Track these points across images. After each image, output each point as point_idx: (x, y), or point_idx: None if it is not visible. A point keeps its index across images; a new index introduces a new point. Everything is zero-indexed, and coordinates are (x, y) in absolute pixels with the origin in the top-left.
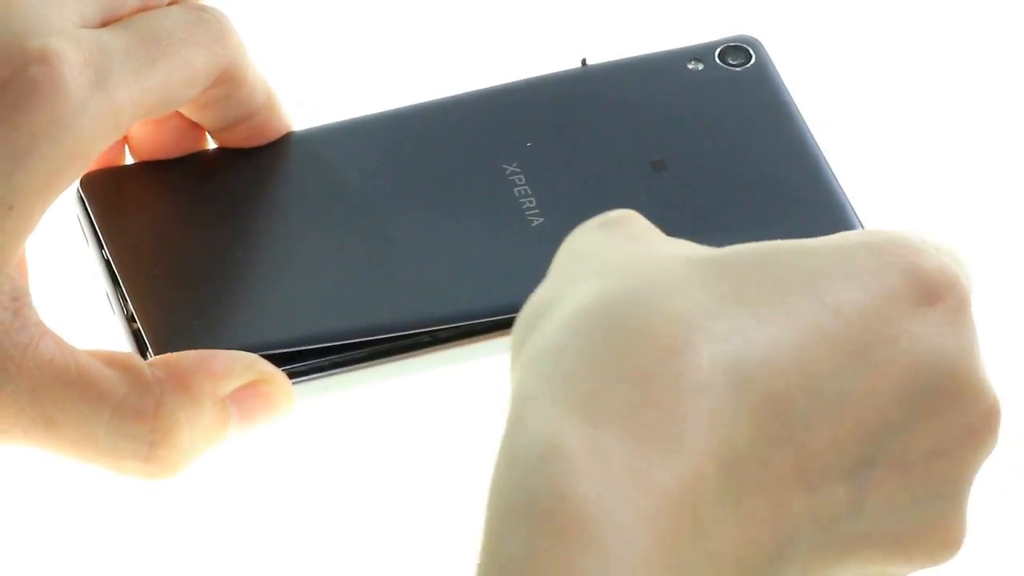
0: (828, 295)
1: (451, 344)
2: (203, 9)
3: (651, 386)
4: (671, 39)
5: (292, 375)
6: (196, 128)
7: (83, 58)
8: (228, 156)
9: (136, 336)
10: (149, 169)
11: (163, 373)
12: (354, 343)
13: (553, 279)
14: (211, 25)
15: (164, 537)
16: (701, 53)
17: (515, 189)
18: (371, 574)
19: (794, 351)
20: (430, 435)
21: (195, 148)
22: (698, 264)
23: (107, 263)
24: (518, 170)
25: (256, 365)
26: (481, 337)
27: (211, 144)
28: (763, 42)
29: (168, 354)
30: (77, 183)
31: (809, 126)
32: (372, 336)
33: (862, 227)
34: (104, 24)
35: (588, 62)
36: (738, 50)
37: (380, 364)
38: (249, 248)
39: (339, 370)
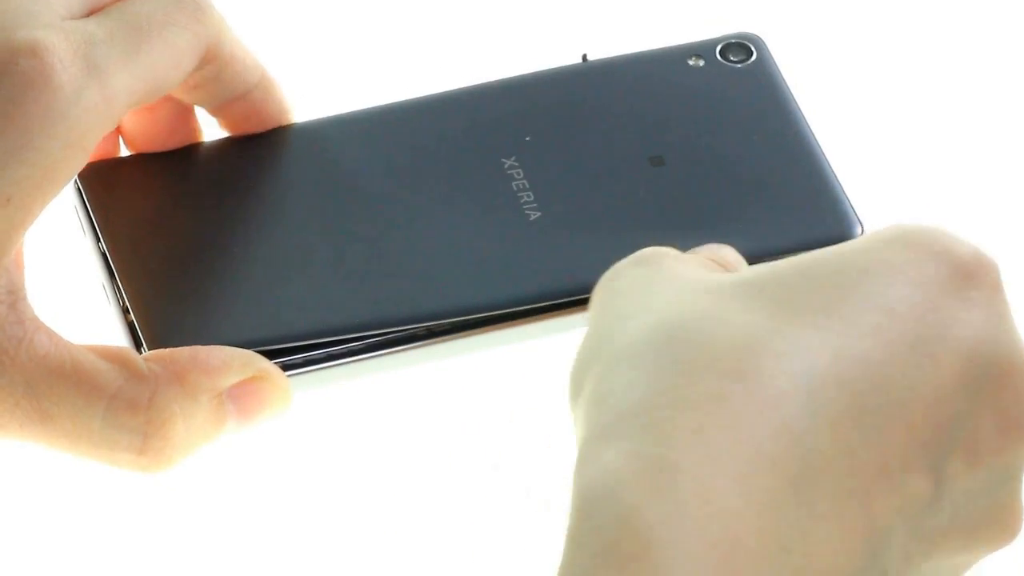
0: (877, 296)
1: (448, 337)
2: None
3: (720, 409)
4: (672, 35)
5: (287, 368)
6: (188, 115)
7: (72, 50)
8: (223, 149)
9: (131, 328)
10: (146, 161)
11: (158, 367)
12: (350, 338)
13: (599, 319)
14: (188, 4)
15: (161, 531)
16: (702, 49)
17: (513, 183)
18: (369, 567)
19: (857, 356)
20: (426, 429)
21: (188, 135)
22: (742, 287)
23: (103, 255)
24: (516, 164)
25: (254, 362)
26: (478, 331)
27: (204, 132)
28: (764, 39)
29: (164, 349)
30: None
31: (809, 123)
32: (368, 330)
33: (861, 224)
34: (88, 15)
35: (589, 57)
36: (739, 47)
37: (376, 357)
38: (244, 241)
39: (335, 363)
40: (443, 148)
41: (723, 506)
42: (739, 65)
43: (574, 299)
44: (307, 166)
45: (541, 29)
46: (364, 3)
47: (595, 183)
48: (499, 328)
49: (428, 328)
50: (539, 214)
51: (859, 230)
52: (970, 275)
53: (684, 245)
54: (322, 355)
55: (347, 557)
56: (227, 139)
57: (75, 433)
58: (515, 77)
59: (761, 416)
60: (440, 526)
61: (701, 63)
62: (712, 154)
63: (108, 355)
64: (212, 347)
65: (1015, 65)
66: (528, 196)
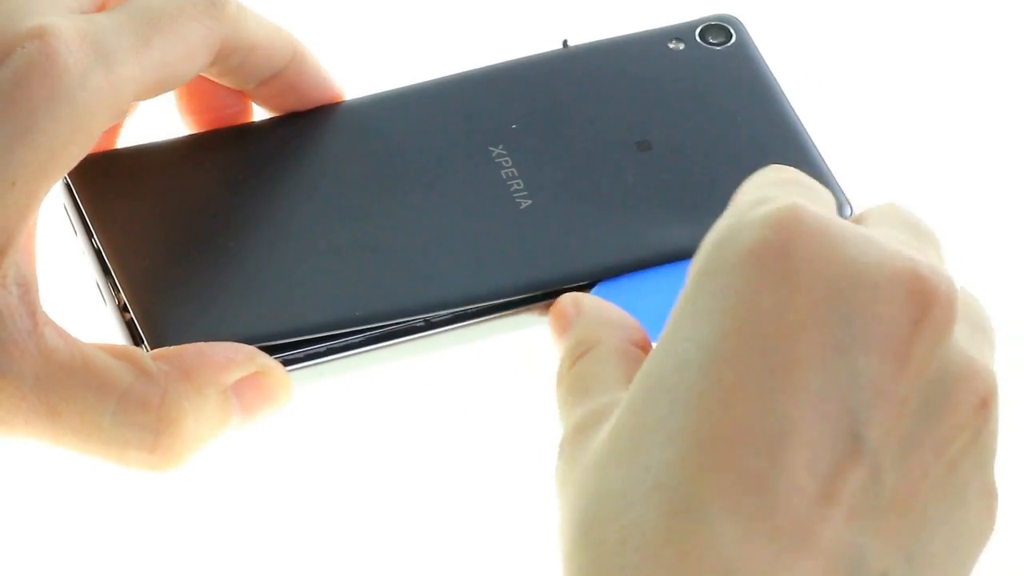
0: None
1: (447, 328)
2: None
3: None
4: (651, 19)
5: (286, 363)
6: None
7: (79, 35)
8: (217, 141)
9: (130, 326)
10: (137, 154)
11: (166, 364)
12: (348, 331)
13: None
14: None
15: (163, 527)
16: (681, 33)
17: (502, 172)
18: (371, 557)
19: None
20: (425, 420)
21: (241, 107)
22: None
23: (97, 252)
24: (504, 152)
25: (256, 357)
26: (474, 320)
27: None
28: (743, 20)
29: (168, 347)
30: None
31: (791, 103)
32: (366, 323)
33: (849, 204)
34: (98, 10)
35: (569, 43)
36: (718, 29)
37: (374, 350)
38: (239, 235)
39: (333, 356)
40: (430, 138)
41: None
42: (719, 47)
43: (572, 286)
44: (296, 158)
45: (520, 15)
46: None
47: (584, 169)
48: (494, 317)
49: (426, 319)
50: (530, 202)
51: (848, 211)
52: (926, 301)
53: (673, 227)
54: (321, 349)
55: (350, 549)
56: (215, 131)
57: (83, 431)
58: (497, 65)
59: None
60: (441, 517)
61: (681, 46)
62: (698, 137)
63: (116, 353)
64: (216, 343)
65: (996, 44)
66: (518, 184)
